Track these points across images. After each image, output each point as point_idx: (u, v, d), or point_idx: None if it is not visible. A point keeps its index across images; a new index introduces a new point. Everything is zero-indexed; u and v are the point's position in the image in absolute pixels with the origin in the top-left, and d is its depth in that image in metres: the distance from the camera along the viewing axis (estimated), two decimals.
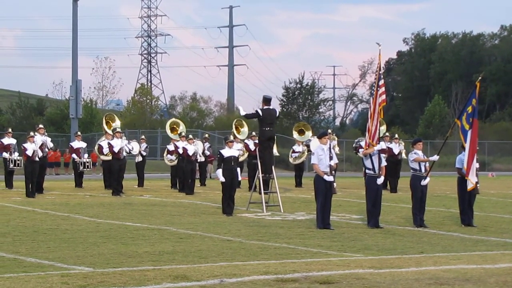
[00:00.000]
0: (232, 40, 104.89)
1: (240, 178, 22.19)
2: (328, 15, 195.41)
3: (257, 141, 28.69)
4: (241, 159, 28.89)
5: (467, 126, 18.03)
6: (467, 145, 18.03)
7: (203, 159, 31.61)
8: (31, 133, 26.60)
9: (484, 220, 19.79)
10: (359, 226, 18.21)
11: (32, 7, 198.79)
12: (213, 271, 11.18)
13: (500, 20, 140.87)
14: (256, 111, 22.71)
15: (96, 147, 31.45)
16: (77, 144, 30.90)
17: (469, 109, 18.12)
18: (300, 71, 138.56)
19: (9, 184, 28.63)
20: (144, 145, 32.35)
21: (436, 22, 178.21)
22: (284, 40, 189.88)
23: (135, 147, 30.52)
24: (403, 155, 30.04)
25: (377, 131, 18.00)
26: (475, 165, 18.09)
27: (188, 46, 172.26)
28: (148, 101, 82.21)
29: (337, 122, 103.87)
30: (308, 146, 31.49)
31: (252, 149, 29.68)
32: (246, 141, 31.19)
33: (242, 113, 23.13)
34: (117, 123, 31.02)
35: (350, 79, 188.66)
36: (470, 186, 18.15)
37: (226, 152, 20.61)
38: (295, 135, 33.58)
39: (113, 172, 27.20)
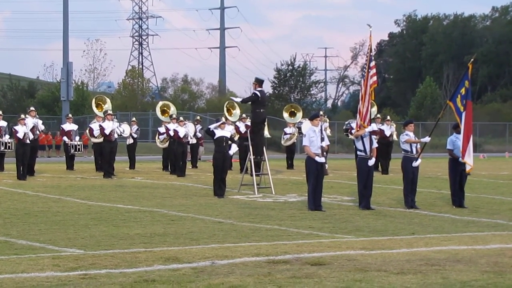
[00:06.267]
0: (223, 22, 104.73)
1: (235, 150, 21.74)
2: None
3: (247, 123, 28.73)
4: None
5: (461, 108, 18.02)
6: (462, 127, 18.02)
7: (194, 141, 31.60)
8: (22, 116, 26.51)
9: (475, 201, 19.84)
10: (350, 207, 18.24)
11: None
12: (205, 253, 11.19)
13: (491, 1, 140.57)
14: (254, 93, 22.49)
15: (87, 130, 31.38)
16: (68, 126, 30.84)
17: (463, 90, 18.09)
18: (292, 53, 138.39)
19: (0, 166, 28.56)
20: (135, 127, 32.27)
21: (427, 3, 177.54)
22: (276, 22, 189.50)
23: (126, 129, 30.42)
24: (395, 137, 30.05)
25: (368, 112, 17.99)
26: (471, 147, 18.08)
27: (180, 28, 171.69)
28: (139, 83, 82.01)
29: (329, 104, 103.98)
30: (299, 128, 31.49)
31: (243, 132, 29.65)
32: (236, 123, 31.10)
33: (238, 100, 23.07)
34: (108, 105, 30.91)
35: (341, 61, 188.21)
36: (468, 168, 18.17)
37: (218, 132, 20.57)
38: (286, 116, 33.58)
39: (105, 154, 27.17)
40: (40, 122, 27.67)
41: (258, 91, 22.46)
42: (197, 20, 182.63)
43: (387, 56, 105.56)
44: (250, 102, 23.19)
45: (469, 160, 17.97)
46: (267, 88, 75.71)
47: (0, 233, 13.21)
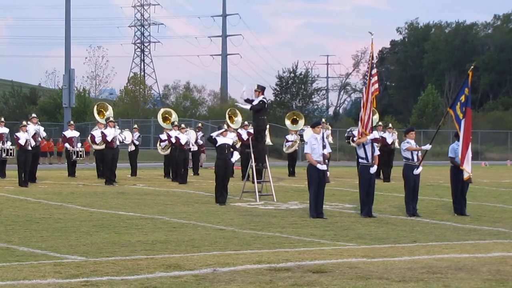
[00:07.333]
0: (225, 29, 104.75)
1: (237, 158, 21.73)
2: (321, 4, 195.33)
3: (249, 131, 28.73)
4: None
5: (461, 115, 18.03)
6: (461, 135, 18.04)
7: (196, 148, 31.59)
8: (24, 122, 26.52)
9: (477, 209, 19.82)
10: (352, 215, 18.23)
11: None
12: (206, 260, 11.18)
13: (493, 9, 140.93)
14: (262, 100, 22.26)
15: (88, 137, 31.38)
16: (70, 133, 30.85)
17: (462, 98, 18.11)
18: (294, 60, 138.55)
19: (1, 173, 28.55)
20: (136, 134, 32.29)
21: (429, 11, 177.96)
22: (277, 29, 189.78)
23: (128, 136, 30.46)
24: (396, 145, 30.05)
25: (370, 120, 18.00)
26: (470, 154, 18.09)
27: (181, 35, 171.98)
28: (141, 90, 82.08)
29: (331, 111, 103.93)
30: (301, 135, 31.53)
31: (245, 139, 29.65)
32: (238, 130, 31.08)
33: (245, 107, 22.75)
34: (109, 112, 30.93)
35: (343, 68, 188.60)
36: (466, 175, 18.17)
37: (220, 139, 20.58)
38: (288, 124, 33.61)
39: (106, 161, 27.17)
40: (41, 128, 27.67)
41: (264, 98, 22.41)
42: (199, 27, 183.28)
43: (389, 64, 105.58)
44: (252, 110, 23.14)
45: (467, 167, 17.98)
46: (269, 95, 75.79)
47: (1, 240, 13.21)
